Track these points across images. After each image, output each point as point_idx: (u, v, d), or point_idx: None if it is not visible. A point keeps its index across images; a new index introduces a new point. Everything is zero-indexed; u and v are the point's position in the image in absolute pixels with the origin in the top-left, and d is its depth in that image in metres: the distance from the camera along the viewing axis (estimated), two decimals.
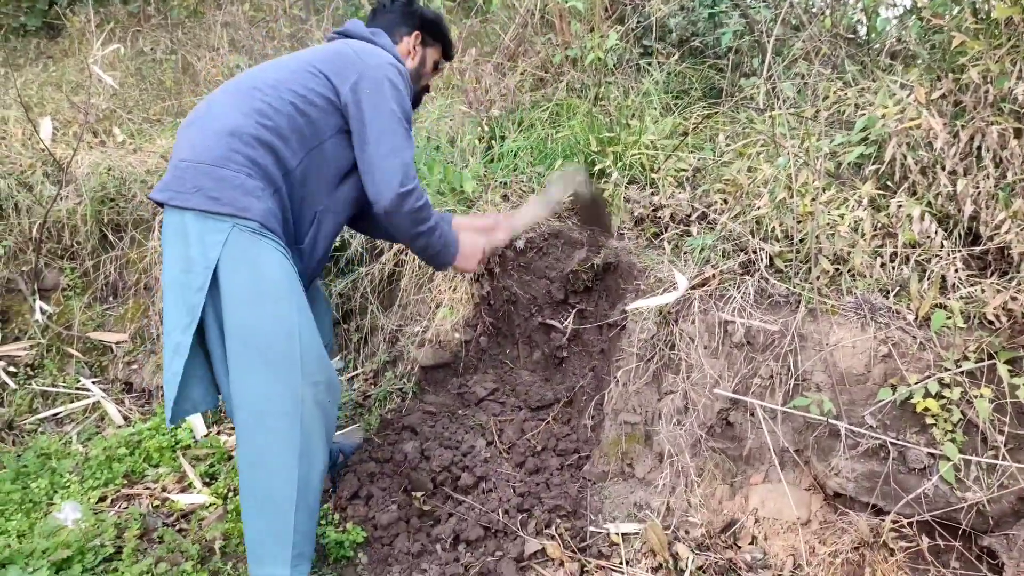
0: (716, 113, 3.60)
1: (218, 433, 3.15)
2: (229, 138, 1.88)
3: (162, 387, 2.45)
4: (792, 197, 2.58)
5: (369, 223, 2.50)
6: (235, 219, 1.85)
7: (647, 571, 2.30)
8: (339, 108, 2.04)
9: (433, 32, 2.41)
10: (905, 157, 2.56)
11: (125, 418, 3.26)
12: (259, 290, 1.87)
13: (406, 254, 3.33)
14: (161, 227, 2.05)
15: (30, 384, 3.41)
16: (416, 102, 2.46)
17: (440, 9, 4.41)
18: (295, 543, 1.97)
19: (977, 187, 2.41)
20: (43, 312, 3.55)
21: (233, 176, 1.86)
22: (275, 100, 1.96)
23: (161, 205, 1.94)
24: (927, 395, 2.18)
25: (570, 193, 2.57)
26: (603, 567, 2.33)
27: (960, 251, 2.41)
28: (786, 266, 2.59)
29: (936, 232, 2.43)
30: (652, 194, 3.20)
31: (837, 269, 2.51)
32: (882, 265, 2.47)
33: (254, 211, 1.87)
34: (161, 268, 2.07)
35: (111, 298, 3.68)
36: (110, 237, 3.68)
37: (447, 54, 2.52)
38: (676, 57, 4.00)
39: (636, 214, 3.13)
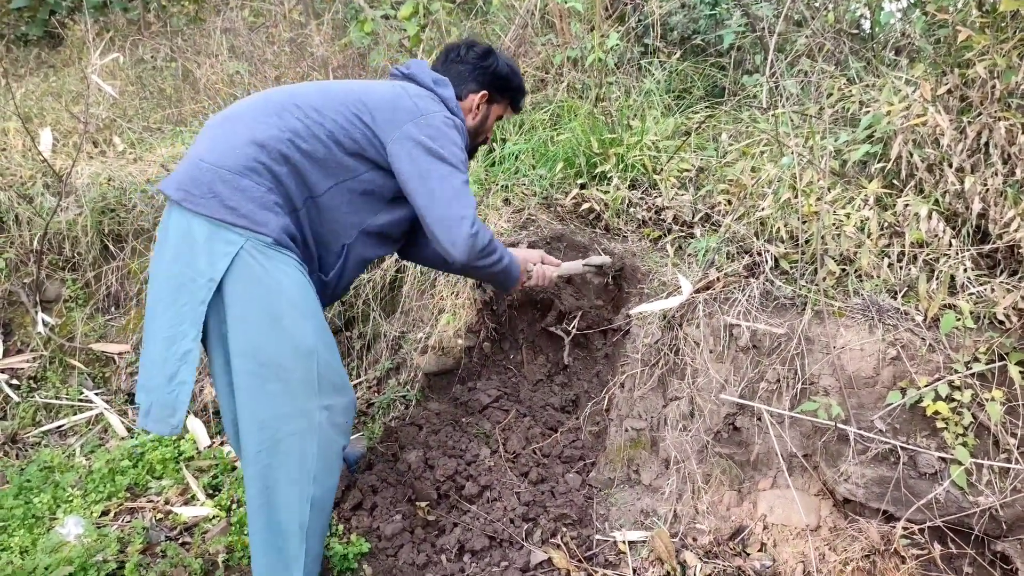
0: (719, 112, 3.56)
1: (221, 444, 3.13)
2: (257, 148, 1.80)
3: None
4: (797, 197, 2.54)
5: (419, 253, 2.45)
6: (250, 232, 1.77)
7: None
8: (375, 153, 1.96)
9: (502, 89, 2.28)
10: (911, 155, 2.52)
11: (128, 429, 3.24)
12: (275, 308, 1.79)
13: None
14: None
15: (33, 397, 3.40)
16: (471, 154, 2.36)
17: (439, 12, 4.38)
18: (305, 565, 1.92)
19: (985, 184, 2.37)
20: (45, 324, 3.54)
21: (254, 187, 1.78)
22: (313, 124, 1.88)
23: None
24: (937, 398, 2.14)
25: (598, 266, 2.81)
26: None
27: (969, 250, 2.37)
28: (791, 268, 2.55)
29: (944, 231, 2.38)
30: (655, 196, 3.17)
31: (843, 270, 2.47)
32: (889, 265, 2.43)
33: (271, 226, 1.79)
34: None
35: (113, 309, 3.67)
36: (111, 248, 3.67)
37: (516, 107, 2.39)
38: (677, 56, 3.96)
39: (639, 217, 3.10)
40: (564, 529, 2.44)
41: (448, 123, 2.01)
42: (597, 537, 2.44)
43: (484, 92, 2.23)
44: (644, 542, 2.40)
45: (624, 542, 2.40)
